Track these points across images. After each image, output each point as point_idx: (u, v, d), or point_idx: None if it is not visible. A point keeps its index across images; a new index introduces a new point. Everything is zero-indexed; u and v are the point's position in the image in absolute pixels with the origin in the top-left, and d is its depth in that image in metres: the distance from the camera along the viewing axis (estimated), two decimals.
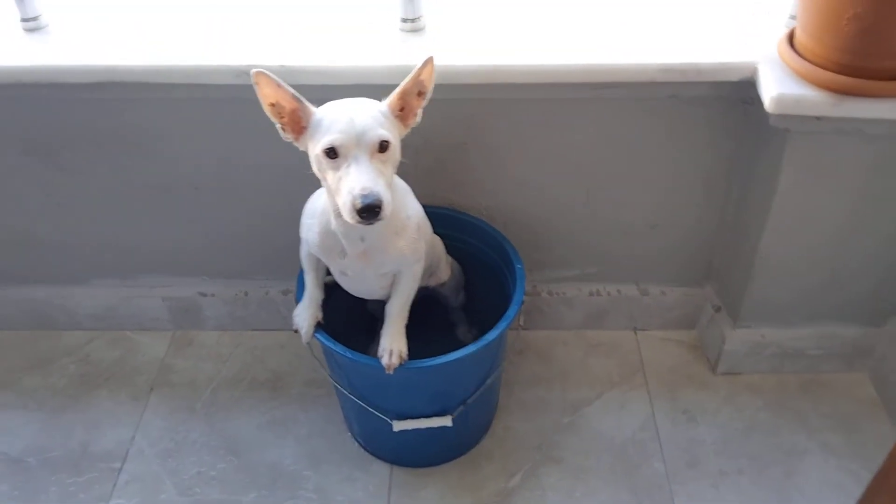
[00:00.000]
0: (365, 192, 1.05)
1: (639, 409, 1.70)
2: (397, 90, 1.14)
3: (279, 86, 1.09)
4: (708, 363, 1.79)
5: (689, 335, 1.85)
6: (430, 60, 1.13)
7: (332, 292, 1.45)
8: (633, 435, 1.65)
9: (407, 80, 1.13)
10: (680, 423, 1.67)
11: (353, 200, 1.05)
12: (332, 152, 1.09)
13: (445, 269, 1.56)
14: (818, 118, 1.30)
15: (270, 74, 1.08)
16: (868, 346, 1.70)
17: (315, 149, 1.11)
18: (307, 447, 1.64)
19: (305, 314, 1.39)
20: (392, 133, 1.12)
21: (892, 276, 1.57)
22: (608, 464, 1.59)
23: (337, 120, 1.09)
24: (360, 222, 1.07)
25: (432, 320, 1.66)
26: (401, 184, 1.30)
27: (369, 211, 1.05)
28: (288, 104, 1.11)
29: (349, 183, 1.07)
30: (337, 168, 1.09)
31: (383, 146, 1.10)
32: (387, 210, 1.07)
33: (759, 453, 1.60)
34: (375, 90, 1.21)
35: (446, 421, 1.44)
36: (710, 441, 1.63)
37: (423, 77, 1.14)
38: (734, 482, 1.56)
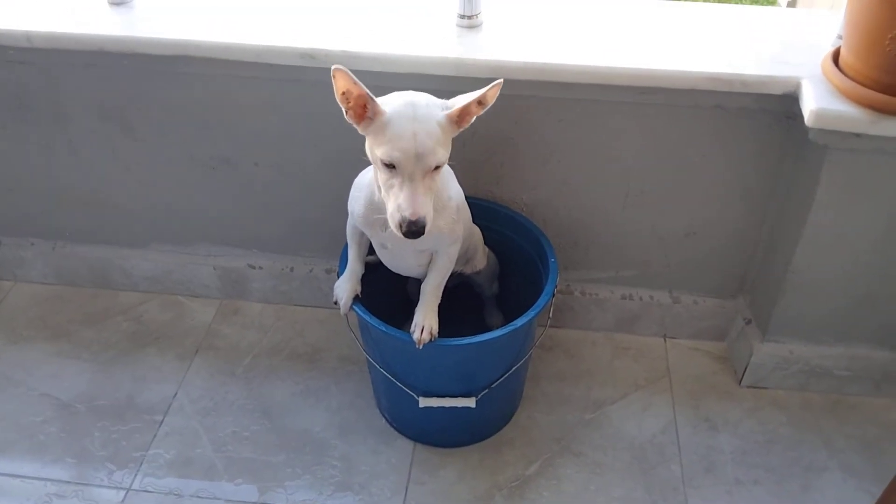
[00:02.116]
0: (413, 218, 1.14)
1: (661, 413, 1.73)
2: (462, 104, 1.18)
3: (355, 82, 1.15)
4: (734, 375, 1.80)
5: (718, 347, 1.87)
6: (499, 84, 1.19)
7: (374, 272, 1.52)
8: (652, 437, 1.68)
9: (474, 96, 1.18)
10: (701, 430, 1.69)
11: (401, 221, 1.15)
12: (390, 164, 1.16)
13: (482, 259, 1.63)
14: (857, 135, 1.32)
15: (347, 71, 1.13)
16: None
17: (375, 150, 1.18)
18: (337, 418, 1.71)
19: (346, 286, 1.47)
20: (447, 148, 1.19)
21: None
22: (625, 462, 1.63)
23: (401, 136, 1.14)
24: (402, 237, 1.17)
25: (466, 308, 1.72)
26: (445, 167, 1.36)
27: (413, 235, 1.15)
28: (357, 93, 1.16)
29: (399, 200, 1.16)
30: (390, 176, 1.17)
31: (438, 167, 1.18)
32: (428, 227, 1.16)
33: (777, 466, 1.62)
34: (430, 81, 1.29)
35: (470, 402, 1.50)
36: (728, 450, 1.65)
37: (488, 94, 1.19)
38: (749, 491, 1.57)
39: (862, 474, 1.60)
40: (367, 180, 1.33)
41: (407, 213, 1.15)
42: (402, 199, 1.16)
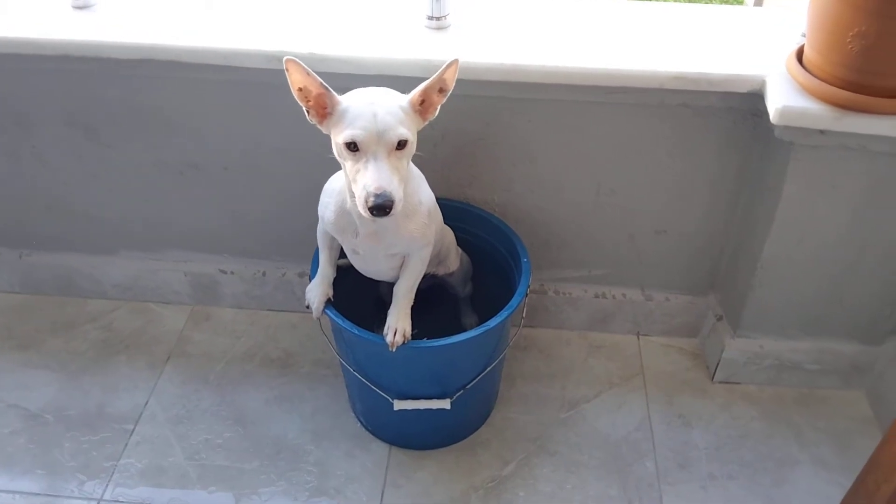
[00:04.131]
0: (378, 192, 1.13)
1: (635, 410, 1.74)
2: (421, 87, 1.20)
3: (308, 73, 1.15)
4: (707, 371, 1.82)
5: (691, 343, 1.89)
6: (455, 62, 1.19)
7: (346, 276, 1.51)
8: (627, 434, 1.69)
9: (431, 78, 1.19)
10: (675, 427, 1.70)
11: (367, 197, 1.13)
12: (352, 146, 1.16)
13: (455, 260, 1.62)
14: (822, 132, 1.34)
15: (300, 62, 1.14)
16: (866, 364, 1.72)
17: (337, 137, 1.18)
18: (311, 423, 1.70)
19: (317, 290, 1.46)
20: (411, 130, 1.19)
21: (890, 294, 1.60)
22: (601, 460, 1.63)
23: (361, 115, 1.15)
24: (371, 217, 1.16)
25: (439, 309, 1.72)
26: (415, 171, 1.37)
27: (380, 209, 1.13)
28: (315, 90, 1.17)
29: (365, 179, 1.14)
30: (356, 160, 1.17)
31: (401, 144, 1.17)
32: (397, 207, 1.15)
33: (750, 461, 1.63)
34: (398, 82, 1.28)
35: (445, 404, 1.49)
36: (702, 446, 1.66)
37: (446, 76, 1.20)
38: (723, 486, 1.59)
39: (832, 467, 1.62)
40: (338, 187, 1.32)
41: (371, 188, 1.13)
42: (367, 177, 1.14)
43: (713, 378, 1.79)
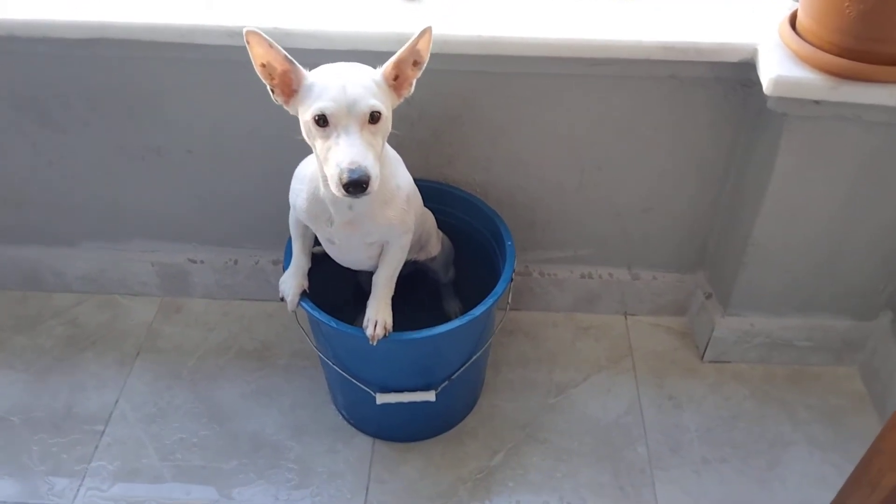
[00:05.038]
0: (353, 167, 1.04)
1: (625, 393, 1.69)
2: (393, 59, 1.12)
3: (271, 46, 1.07)
4: (696, 350, 1.78)
5: (679, 322, 1.84)
6: (427, 30, 1.10)
7: (322, 262, 1.44)
8: (617, 419, 1.64)
9: (403, 49, 1.11)
10: (665, 409, 1.66)
11: (340, 174, 1.04)
12: (321, 120, 1.07)
13: (436, 244, 1.55)
14: (817, 102, 1.28)
15: (262, 34, 1.06)
16: (858, 339, 1.69)
17: (305, 114, 1.09)
18: (290, 418, 1.63)
19: (291, 282, 1.38)
20: (384, 103, 1.10)
21: (884, 268, 1.56)
22: (591, 446, 1.59)
23: (328, 87, 1.07)
24: (346, 195, 1.06)
25: (421, 295, 1.66)
26: (392, 153, 1.29)
27: (356, 185, 1.04)
28: (279, 65, 1.09)
29: (337, 155, 1.05)
30: (326, 137, 1.07)
31: (375, 117, 1.08)
32: (374, 185, 1.06)
33: (743, 442, 1.59)
34: (370, 57, 1.20)
35: (430, 396, 1.43)
36: (694, 428, 1.62)
37: (419, 47, 1.11)
38: (716, 470, 1.55)
39: (826, 446, 1.59)
40: (310, 172, 1.24)
41: (345, 163, 1.04)
42: (339, 153, 1.05)
43: (703, 357, 1.75)
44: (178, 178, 1.66)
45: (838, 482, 1.51)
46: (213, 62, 1.43)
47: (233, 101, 1.51)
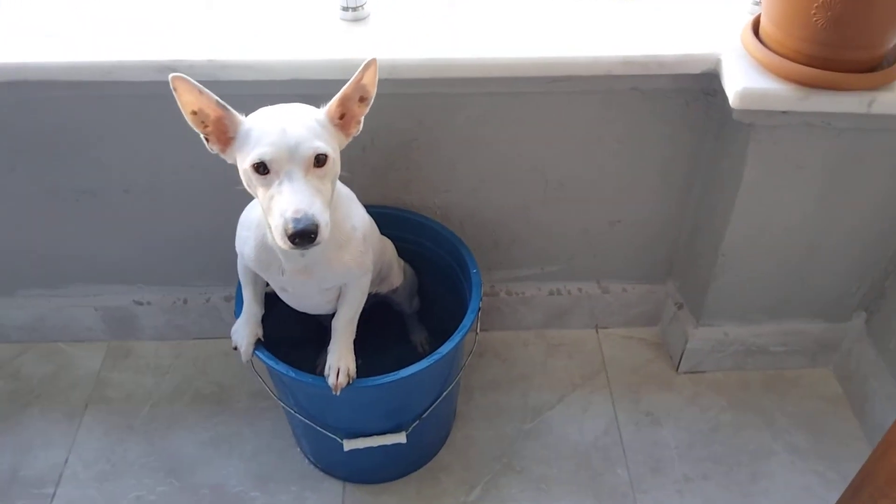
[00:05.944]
0: (298, 216, 0.94)
1: (602, 411, 1.64)
2: (337, 96, 1.03)
3: (201, 92, 0.97)
4: (671, 361, 1.73)
5: (651, 332, 1.80)
6: (372, 63, 1.01)
7: (278, 300, 1.35)
8: (595, 440, 1.59)
9: (347, 85, 1.02)
10: (644, 426, 1.61)
11: (286, 224, 0.94)
12: (261, 167, 0.97)
13: (398, 274, 1.47)
14: (784, 112, 1.23)
15: (189, 79, 0.96)
16: (833, 341, 1.66)
17: (243, 163, 0.99)
18: (253, 465, 1.54)
19: (244, 331, 1.29)
20: (330, 145, 1.01)
21: (856, 270, 1.53)
22: (571, 472, 1.53)
23: (267, 131, 0.97)
24: (293, 247, 0.96)
25: (386, 327, 1.59)
26: (345, 191, 1.20)
27: (303, 236, 0.94)
28: (212, 112, 0.99)
29: (281, 203, 0.96)
30: (268, 185, 0.98)
31: (320, 160, 0.99)
32: (324, 233, 0.97)
33: (723, 456, 1.56)
34: (314, 86, 1.11)
35: (400, 438, 1.36)
36: (673, 444, 1.58)
37: (364, 81, 1.03)
38: (699, 488, 1.51)
39: (807, 454, 1.56)
40: (257, 218, 1.14)
41: (289, 213, 0.94)
42: (283, 201, 0.96)
43: (678, 369, 1.70)
44: (116, 219, 1.54)
45: (821, 490, 1.50)
46: (143, 97, 1.32)
47: (169, 136, 1.39)
